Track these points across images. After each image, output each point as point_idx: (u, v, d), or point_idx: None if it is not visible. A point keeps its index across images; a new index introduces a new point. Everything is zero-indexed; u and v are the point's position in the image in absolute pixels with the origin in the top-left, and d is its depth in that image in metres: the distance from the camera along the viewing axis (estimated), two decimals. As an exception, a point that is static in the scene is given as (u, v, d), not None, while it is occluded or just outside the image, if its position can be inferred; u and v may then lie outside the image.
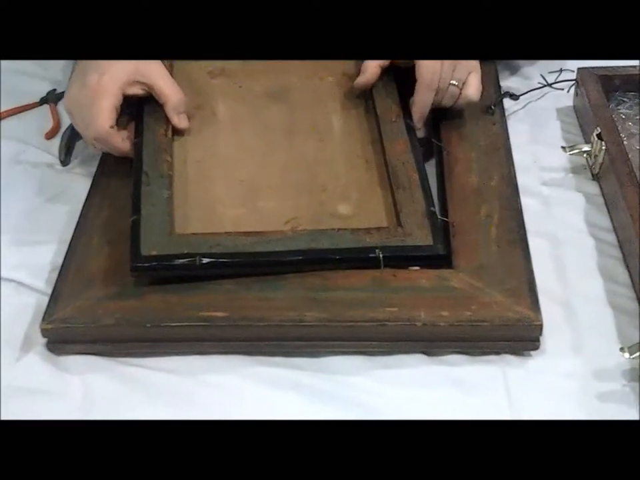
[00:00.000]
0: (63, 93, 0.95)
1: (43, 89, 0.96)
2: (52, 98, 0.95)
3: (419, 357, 0.67)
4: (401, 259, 0.68)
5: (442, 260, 0.69)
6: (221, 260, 0.67)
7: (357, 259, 0.68)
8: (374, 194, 0.74)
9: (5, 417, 0.63)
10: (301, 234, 0.69)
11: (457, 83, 0.78)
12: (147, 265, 0.67)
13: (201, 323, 0.66)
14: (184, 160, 0.77)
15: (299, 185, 0.75)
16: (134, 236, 0.68)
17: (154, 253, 0.67)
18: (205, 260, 0.67)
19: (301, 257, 0.68)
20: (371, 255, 0.68)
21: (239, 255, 0.68)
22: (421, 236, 0.69)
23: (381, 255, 0.67)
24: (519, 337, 0.66)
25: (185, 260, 0.67)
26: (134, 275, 0.68)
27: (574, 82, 0.89)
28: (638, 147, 0.82)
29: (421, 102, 0.78)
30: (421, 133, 0.81)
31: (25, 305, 0.72)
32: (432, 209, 0.71)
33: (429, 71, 0.76)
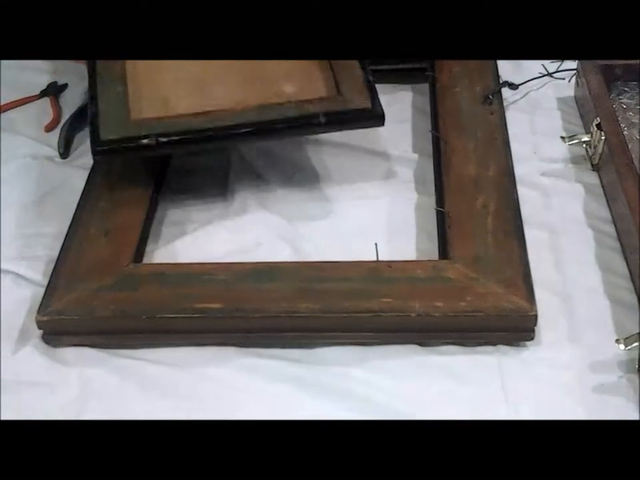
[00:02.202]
0: (63, 85, 0.96)
1: (43, 82, 0.96)
2: (52, 90, 0.95)
3: (413, 348, 0.67)
4: (342, 121, 0.74)
5: (380, 120, 0.74)
6: (177, 137, 0.72)
7: (302, 125, 0.73)
8: (316, 73, 0.78)
9: (2, 408, 0.64)
10: (249, 109, 0.74)
11: None
12: (106, 148, 0.72)
13: (196, 315, 0.66)
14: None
15: (245, 72, 0.78)
16: (93, 126, 0.73)
17: (113, 137, 0.72)
18: (163, 139, 0.71)
19: (249, 129, 0.72)
20: (314, 121, 0.72)
21: (194, 132, 0.72)
22: (360, 100, 0.74)
23: (323, 120, 0.72)
24: (513, 327, 0.65)
25: (143, 141, 0.71)
26: (96, 159, 0.73)
27: (575, 71, 0.88)
28: (638, 137, 0.81)
29: None
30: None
31: (22, 297, 0.73)
32: (370, 79, 0.76)
33: None
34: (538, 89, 0.91)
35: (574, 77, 0.89)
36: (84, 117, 0.88)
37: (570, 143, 0.81)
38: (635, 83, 0.86)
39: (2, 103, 0.93)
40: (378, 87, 0.90)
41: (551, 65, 0.92)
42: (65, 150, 0.87)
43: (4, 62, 0.97)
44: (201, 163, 0.85)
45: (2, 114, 0.92)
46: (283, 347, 0.68)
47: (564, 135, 0.83)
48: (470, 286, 0.66)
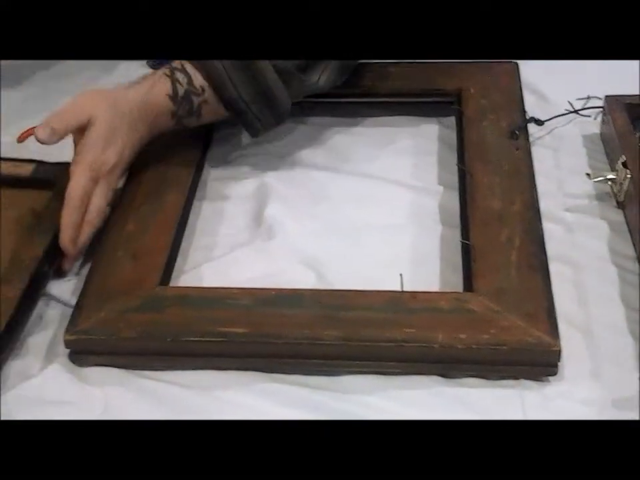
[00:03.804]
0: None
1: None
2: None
3: (435, 379, 0.67)
4: None
5: None
6: None
7: None
8: None
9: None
10: None
11: None
12: None
13: (220, 339, 0.67)
14: None
15: None
16: None
17: None
18: None
19: None
20: None
21: None
22: None
23: None
24: (536, 361, 0.65)
25: None
26: None
27: (601, 109, 0.89)
28: (664, 176, 0.81)
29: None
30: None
31: (51, 315, 0.74)
32: None
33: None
34: (564, 125, 0.91)
35: (599, 115, 0.90)
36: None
37: (595, 179, 0.82)
38: (660, 122, 0.87)
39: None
40: (404, 119, 0.93)
41: (577, 102, 0.93)
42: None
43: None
44: (231, 190, 0.87)
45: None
46: (305, 373, 0.68)
47: (589, 171, 0.84)
48: (493, 319, 0.66)
